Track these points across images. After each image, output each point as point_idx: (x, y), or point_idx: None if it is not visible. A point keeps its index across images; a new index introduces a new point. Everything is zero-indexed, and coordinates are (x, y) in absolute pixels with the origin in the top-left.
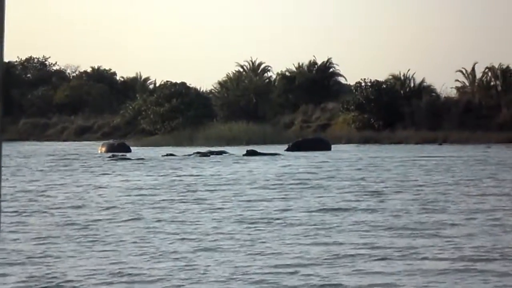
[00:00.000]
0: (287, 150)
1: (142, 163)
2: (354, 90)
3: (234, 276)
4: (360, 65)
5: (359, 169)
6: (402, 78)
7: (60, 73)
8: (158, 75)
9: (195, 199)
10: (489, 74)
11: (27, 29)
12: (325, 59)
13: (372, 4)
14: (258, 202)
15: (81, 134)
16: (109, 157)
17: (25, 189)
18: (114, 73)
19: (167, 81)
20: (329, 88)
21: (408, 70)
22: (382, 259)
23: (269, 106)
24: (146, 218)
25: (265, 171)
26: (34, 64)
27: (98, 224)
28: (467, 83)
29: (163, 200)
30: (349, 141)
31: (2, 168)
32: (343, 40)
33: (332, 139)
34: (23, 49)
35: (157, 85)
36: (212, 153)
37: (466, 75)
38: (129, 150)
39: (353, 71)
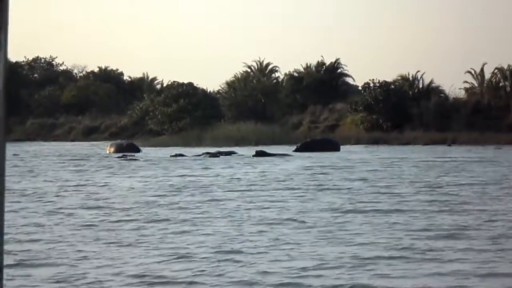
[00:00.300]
0: (296, 150)
1: (153, 164)
2: (362, 91)
3: (256, 279)
4: (368, 65)
5: (373, 170)
6: (410, 79)
7: (67, 73)
8: (165, 75)
9: (212, 200)
10: (498, 75)
11: (34, 29)
12: (333, 60)
13: (380, 5)
14: (276, 203)
15: (88, 135)
16: (119, 157)
17: (40, 189)
18: (121, 73)
19: (174, 82)
20: (337, 88)
21: (417, 72)
22: (405, 261)
23: (277, 106)
24: (164, 219)
25: (278, 172)
26: (41, 64)
27: (117, 225)
28: (476, 84)
29: (180, 201)
30: (357, 141)
31: (14, 168)
32: (351, 40)
33: (340, 139)
34: (30, 49)
35: (164, 85)
36: (221, 153)
37: (475, 76)
38: (138, 151)
39: (361, 72)
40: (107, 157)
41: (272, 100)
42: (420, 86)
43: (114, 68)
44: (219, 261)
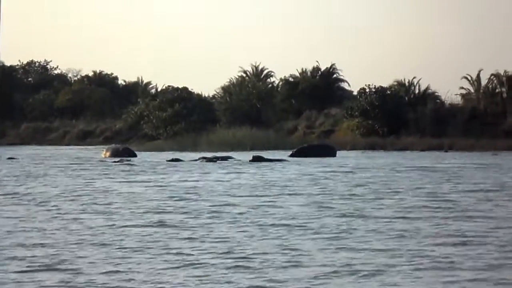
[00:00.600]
0: (291, 156)
1: (150, 168)
2: (358, 96)
3: (267, 286)
4: (364, 71)
5: (373, 175)
6: (406, 84)
7: (62, 77)
8: (159, 80)
9: (215, 205)
10: (495, 81)
11: (28, 32)
12: (329, 65)
13: (377, 10)
14: (279, 209)
15: (83, 139)
16: (115, 162)
17: (42, 194)
18: (116, 78)
19: (169, 86)
20: (332, 93)
21: (413, 77)
22: (415, 269)
23: (272, 111)
24: (169, 224)
25: (279, 177)
26: (36, 68)
27: (122, 231)
28: (472, 90)
29: (183, 206)
30: (354, 147)
31: (13, 172)
32: (347, 46)
33: (336, 145)
34: (24, 53)
35: (159, 89)
36: (217, 158)
37: (471, 82)
38: (134, 155)
39: (357, 77)
40: (103, 161)
41: (268, 105)
42: (416, 91)
43: (109, 72)
44: (227, 268)
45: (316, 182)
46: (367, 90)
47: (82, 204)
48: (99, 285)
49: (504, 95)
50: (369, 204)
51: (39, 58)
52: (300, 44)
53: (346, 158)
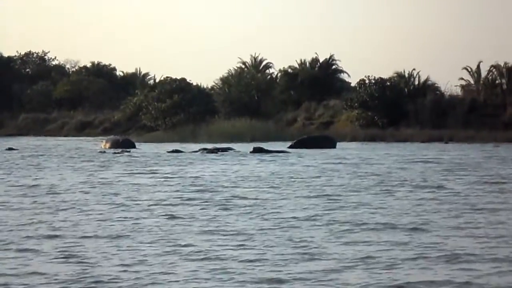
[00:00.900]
0: (291, 147)
1: (152, 159)
2: (358, 88)
3: (283, 278)
4: (363, 62)
5: (378, 167)
6: (406, 76)
7: (60, 68)
8: (157, 71)
9: (224, 197)
10: (495, 72)
11: (26, 23)
12: (328, 56)
13: (376, 1)
14: (289, 201)
15: (81, 130)
16: (116, 153)
17: (47, 186)
18: (114, 68)
19: (167, 77)
20: (331, 85)
21: (413, 69)
22: (428, 262)
23: (272, 102)
24: (180, 216)
25: (282, 169)
26: (34, 59)
27: (137, 222)
28: (472, 82)
29: (192, 198)
30: (354, 138)
31: (17, 162)
32: (346, 37)
33: (336, 136)
34: (22, 43)
35: (157, 80)
36: (218, 149)
37: (471, 73)
38: (134, 146)
39: (356, 69)
40: (103, 152)
41: (267, 96)
42: (416, 83)
43: (107, 63)
44: (239, 260)
45: (322, 173)
46: (367, 81)
47: (89, 196)
48: (112, 278)
49: (504, 86)
50: (377, 196)
51: (37, 49)
52: (299, 35)
53: (347, 149)
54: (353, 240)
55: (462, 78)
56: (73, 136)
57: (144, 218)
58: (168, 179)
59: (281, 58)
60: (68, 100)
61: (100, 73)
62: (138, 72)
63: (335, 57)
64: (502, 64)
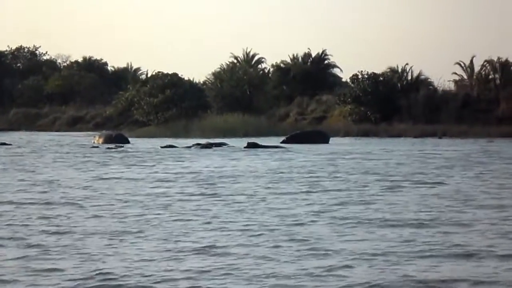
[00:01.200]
0: (284, 142)
1: (147, 155)
2: (351, 83)
3: (292, 274)
4: (356, 57)
5: (376, 162)
6: (399, 71)
7: (51, 63)
8: (148, 65)
9: (228, 193)
10: (488, 67)
11: (17, 18)
12: (320, 51)
13: None
14: (292, 196)
15: (73, 125)
16: (110, 148)
17: (47, 181)
18: (105, 63)
19: (159, 72)
20: (324, 80)
21: (406, 64)
22: (435, 258)
23: (264, 97)
24: (185, 212)
25: (280, 164)
26: (25, 54)
27: (140, 218)
28: (465, 76)
29: (195, 193)
30: (347, 134)
31: (11, 158)
32: (339, 32)
33: (329, 131)
34: (13, 38)
35: (149, 75)
36: (212, 145)
37: (464, 68)
38: (127, 141)
39: (349, 64)
40: (96, 147)
41: (259, 91)
42: (409, 78)
43: (98, 58)
44: (251, 257)
45: (321, 169)
46: (360, 76)
47: (89, 193)
48: (120, 275)
49: (498, 81)
50: (380, 191)
51: (28, 43)
52: (291, 30)
53: (342, 144)
54: (358, 236)
55: (455, 73)
56: (64, 131)
57: (147, 214)
58: (168, 175)
59: (274, 53)
60: (60, 95)
61: (92, 68)
62: (129, 67)
63: (328, 52)
64: (495, 59)
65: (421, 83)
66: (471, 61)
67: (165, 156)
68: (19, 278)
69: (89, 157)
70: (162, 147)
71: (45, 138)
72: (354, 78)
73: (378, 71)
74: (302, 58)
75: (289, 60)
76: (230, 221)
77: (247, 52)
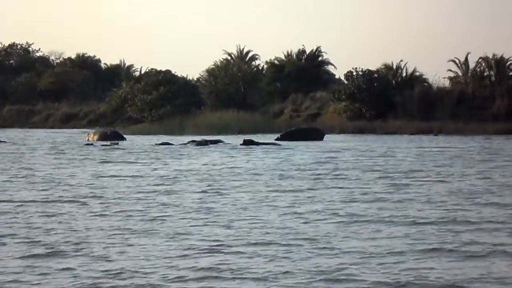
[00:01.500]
0: (279, 139)
1: (144, 152)
2: (345, 79)
3: (303, 271)
4: (351, 54)
5: (376, 159)
6: (394, 67)
7: (44, 60)
8: (141, 62)
9: (233, 191)
10: (483, 64)
11: (10, 15)
12: (314, 48)
13: None
14: (297, 193)
15: (66, 122)
16: (105, 145)
17: (49, 178)
18: (99, 60)
19: (152, 69)
20: (318, 77)
21: (400, 60)
22: (445, 257)
23: (258, 94)
24: (192, 211)
25: (279, 161)
26: (17, 51)
27: (145, 215)
28: (460, 73)
29: (196, 191)
30: (342, 131)
31: (9, 155)
32: (333, 29)
33: (323, 128)
34: (6, 35)
35: (142, 72)
36: (208, 142)
37: (459, 65)
38: (123, 138)
39: (344, 61)
40: (91, 144)
41: (253, 88)
42: (404, 74)
43: (91, 55)
44: (258, 255)
45: (321, 166)
46: (354, 73)
47: (89, 190)
48: (133, 274)
49: (493, 78)
50: (385, 189)
51: (20, 40)
52: (286, 27)
53: (338, 141)
54: (366, 235)
55: (450, 70)
56: (58, 128)
57: (152, 212)
58: (168, 172)
59: (267, 50)
60: (53, 92)
61: (85, 64)
62: (122, 64)
63: (322, 49)
64: (490, 56)
65: (416, 79)
66: (466, 58)
67: (163, 153)
68: (26, 277)
69: (86, 154)
70: (157, 144)
71: (39, 135)
72: (349, 74)
73: (373, 67)
74: (297, 55)
75: (283, 57)
76: (236, 219)
77: (241, 49)
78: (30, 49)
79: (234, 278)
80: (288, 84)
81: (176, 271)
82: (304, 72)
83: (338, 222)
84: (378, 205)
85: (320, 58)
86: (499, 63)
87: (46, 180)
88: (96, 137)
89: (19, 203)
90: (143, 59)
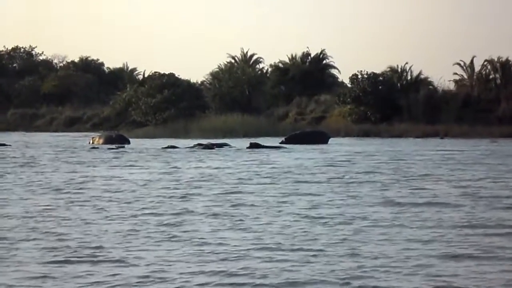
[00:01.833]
0: (284, 142)
1: (151, 155)
2: (350, 82)
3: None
4: (356, 57)
5: (383, 163)
6: (399, 70)
7: (47, 63)
8: (145, 65)
9: (242, 194)
10: (488, 67)
11: (14, 18)
12: (319, 51)
13: None
14: (305, 197)
15: (70, 125)
16: (111, 149)
17: (56, 183)
18: (102, 64)
19: (156, 72)
20: (323, 80)
21: (406, 63)
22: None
23: (263, 98)
24: (201, 213)
25: (289, 165)
26: (21, 54)
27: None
28: (465, 76)
29: (202, 194)
30: (347, 134)
31: (13, 159)
32: (338, 32)
33: (328, 132)
34: (9, 38)
35: (145, 75)
36: (214, 145)
37: (464, 68)
38: (128, 142)
39: (348, 64)
40: (97, 148)
41: (257, 91)
42: (409, 77)
43: (95, 58)
44: (263, 260)
45: (330, 169)
46: (359, 76)
47: (97, 194)
48: (142, 279)
49: (498, 81)
50: (399, 192)
51: (24, 44)
52: (290, 30)
53: (344, 145)
54: (382, 237)
55: (455, 73)
56: (62, 132)
57: (168, 215)
58: (180, 176)
59: (272, 53)
60: (56, 95)
61: (88, 68)
62: (125, 67)
63: (327, 52)
64: (495, 59)
65: (421, 82)
66: (472, 61)
67: (171, 157)
68: (45, 284)
69: (95, 158)
70: (163, 148)
71: (44, 138)
72: (354, 78)
73: (378, 70)
74: (301, 58)
75: (287, 60)
76: (254, 224)
77: (245, 52)
78: (33, 52)
79: (255, 285)
80: (293, 87)
81: (196, 276)
82: (308, 75)
83: (357, 225)
84: (393, 208)
85: (324, 61)
86: (504, 66)
87: (59, 185)
88: (101, 141)
89: (34, 208)
90: (146, 62)
